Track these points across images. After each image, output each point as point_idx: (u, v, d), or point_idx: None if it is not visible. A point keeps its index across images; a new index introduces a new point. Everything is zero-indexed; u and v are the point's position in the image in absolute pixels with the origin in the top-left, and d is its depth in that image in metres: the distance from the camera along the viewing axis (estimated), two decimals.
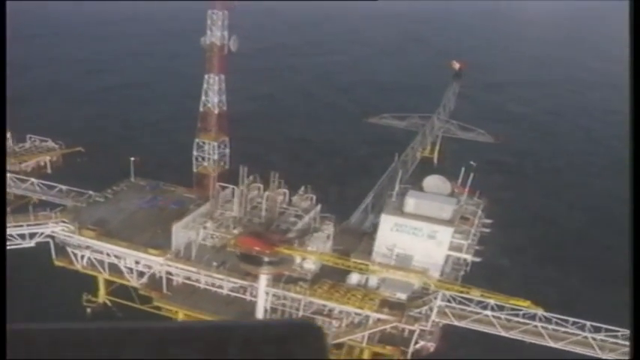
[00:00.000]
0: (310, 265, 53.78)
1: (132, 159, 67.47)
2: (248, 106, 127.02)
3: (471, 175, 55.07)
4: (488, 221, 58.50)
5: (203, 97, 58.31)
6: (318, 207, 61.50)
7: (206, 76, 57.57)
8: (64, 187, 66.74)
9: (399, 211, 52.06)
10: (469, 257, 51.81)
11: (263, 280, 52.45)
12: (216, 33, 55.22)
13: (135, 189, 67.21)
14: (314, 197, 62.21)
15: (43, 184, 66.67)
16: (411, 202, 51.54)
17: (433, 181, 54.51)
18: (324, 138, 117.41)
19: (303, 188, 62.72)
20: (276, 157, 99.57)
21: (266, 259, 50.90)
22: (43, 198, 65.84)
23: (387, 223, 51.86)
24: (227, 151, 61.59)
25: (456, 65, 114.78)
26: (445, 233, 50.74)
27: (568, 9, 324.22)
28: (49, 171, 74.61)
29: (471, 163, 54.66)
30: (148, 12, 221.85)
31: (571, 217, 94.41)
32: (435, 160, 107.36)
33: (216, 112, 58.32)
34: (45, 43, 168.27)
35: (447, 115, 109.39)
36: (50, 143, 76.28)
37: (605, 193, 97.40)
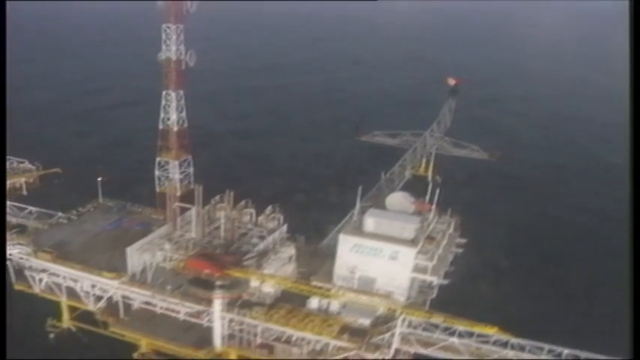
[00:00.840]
0: (269, 288, 50.95)
1: (99, 179, 65.98)
2: (240, 125, 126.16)
3: (437, 191, 51.86)
4: (462, 240, 55.18)
5: (162, 114, 56.45)
6: (284, 227, 58.88)
7: (164, 93, 55.77)
8: (33, 209, 65.42)
9: (359, 230, 49.07)
10: (435, 280, 48.38)
11: (217, 304, 49.83)
12: (172, 47, 53.52)
13: (102, 210, 65.56)
14: (281, 217, 59.61)
15: (14, 205, 65.38)
16: (370, 222, 48.55)
17: (397, 199, 51.55)
18: (317, 155, 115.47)
19: (270, 208, 60.18)
20: (265, 175, 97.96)
21: (218, 282, 48.33)
22: (13, 220, 64.46)
23: (346, 243, 48.85)
24: (191, 170, 59.44)
25: (452, 81, 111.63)
26: (407, 254, 47.49)
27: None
28: (24, 192, 73.29)
29: (437, 178, 51.53)
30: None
31: (562, 235, 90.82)
32: (430, 179, 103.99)
33: (175, 129, 56.34)
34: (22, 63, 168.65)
35: (442, 132, 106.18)
36: (27, 165, 75.10)
37: (600, 208, 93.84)
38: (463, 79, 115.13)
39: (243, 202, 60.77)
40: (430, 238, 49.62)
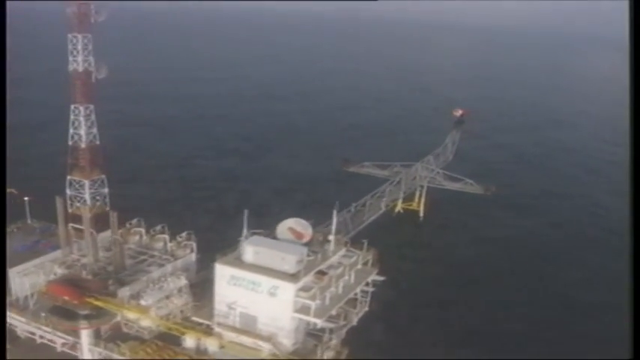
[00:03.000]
0: (147, 322, 45.33)
1: (26, 199, 63.31)
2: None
3: (335, 219, 44.95)
4: (380, 278, 47.61)
5: (71, 130, 53.03)
6: (192, 256, 53.53)
7: (72, 107, 52.43)
8: None
9: (238, 260, 42.87)
10: (319, 322, 41.25)
11: (84, 336, 44.89)
12: (78, 58, 50.40)
13: (24, 231, 62.33)
14: (194, 245, 54.36)
15: None
16: (249, 251, 42.27)
17: (288, 226, 44.99)
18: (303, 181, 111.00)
19: (184, 234, 55.14)
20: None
21: (81, 311, 43.40)
22: None
23: (223, 275, 42.70)
24: (105, 190, 55.43)
25: (458, 112, 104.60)
26: (287, 290, 40.76)
27: None
28: None
29: (336, 203, 44.96)
30: None
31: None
32: (422, 214, 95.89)
33: (83, 145, 52.69)
34: None
35: (441, 165, 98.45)
36: None
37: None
38: (469, 110, 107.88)
39: (158, 227, 56.32)
40: (321, 273, 42.69)
